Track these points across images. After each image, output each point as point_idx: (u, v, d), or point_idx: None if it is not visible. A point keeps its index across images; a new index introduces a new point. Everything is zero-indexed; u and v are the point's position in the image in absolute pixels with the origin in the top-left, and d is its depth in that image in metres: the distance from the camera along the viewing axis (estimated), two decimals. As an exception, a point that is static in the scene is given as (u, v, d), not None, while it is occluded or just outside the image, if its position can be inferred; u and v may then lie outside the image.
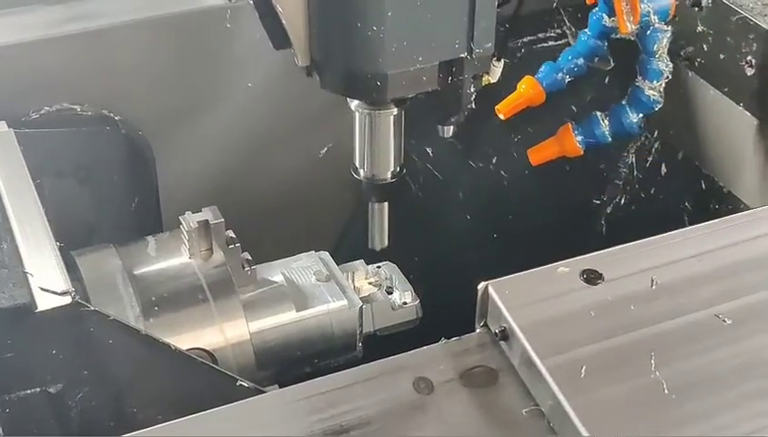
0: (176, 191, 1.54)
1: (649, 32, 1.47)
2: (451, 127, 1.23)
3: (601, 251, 1.04)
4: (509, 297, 0.97)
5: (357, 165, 1.26)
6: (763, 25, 1.38)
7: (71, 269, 1.13)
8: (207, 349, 1.20)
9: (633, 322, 0.96)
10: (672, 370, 0.91)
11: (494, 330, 0.97)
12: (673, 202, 1.60)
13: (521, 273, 1.01)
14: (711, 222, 1.09)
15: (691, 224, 1.11)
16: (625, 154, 1.67)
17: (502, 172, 1.70)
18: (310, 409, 0.91)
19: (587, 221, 1.72)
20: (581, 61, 1.56)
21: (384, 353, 0.98)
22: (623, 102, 1.54)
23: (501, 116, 1.56)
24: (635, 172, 1.66)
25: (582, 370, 0.90)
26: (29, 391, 1.00)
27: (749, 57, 1.41)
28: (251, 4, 1.13)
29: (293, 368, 1.26)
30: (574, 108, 1.64)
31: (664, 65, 1.49)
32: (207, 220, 1.22)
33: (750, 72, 1.41)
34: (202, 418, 0.91)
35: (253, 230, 1.30)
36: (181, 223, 1.23)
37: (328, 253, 1.34)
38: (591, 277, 1.00)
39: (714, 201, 1.54)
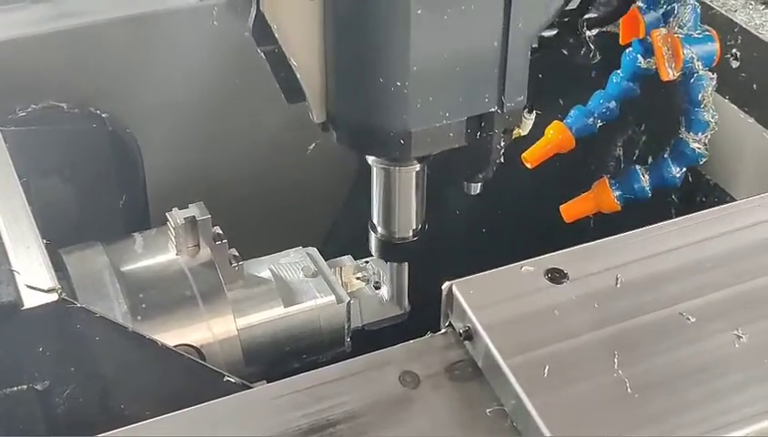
0: (164, 188, 1.54)
1: (693, 80, 1.34)
2: (479, 184, 1.18)
3: (566, 250, 1.03)
4: (473, 296, 0.97)
5: (374, 222, 1.21)
6: (736, 20, 1.39)
7: (58, 266, 1.13)
8: (194, 345, 1.20)
9: (597, 321, 0.96)
10: (635, 370, 0.91)
11: (458, 329, 0.97)
12: (660, 195, 1.60)
13: (486, 273, 1.00)
14: (675, 220, 1.09)
15: (677, 217, 1.12)
16: (613, 147, 1.67)
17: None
18: (297, 403, 0.91)
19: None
20: (612, 104, 1.45)
21: (372, 348, 0.99)
22: (665, 155, 1.43)
23: (529, 165, 1.47)
24: (622, 166, 1.66)
25: (546, 370, 0.90)
26: (16, 389, 1.00)
27: (734, 50, 1.41)
28: (263, 56, 1.07)
29: (281, 363, 1.26)
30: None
31: (710, 115, 1.36)
32: (193, 217, 1.22)
33: (735, 64, 1.41)
34: (189, 413, 0.92)
35: (240, 226, 1.30)
36: (168, 219, 1.23)
37: (315, 249, 1.34)
38: (556, 276, 1.00)
39: (701, 194, 1.54)
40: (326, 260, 1.33)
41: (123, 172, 1.49)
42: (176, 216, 1.22)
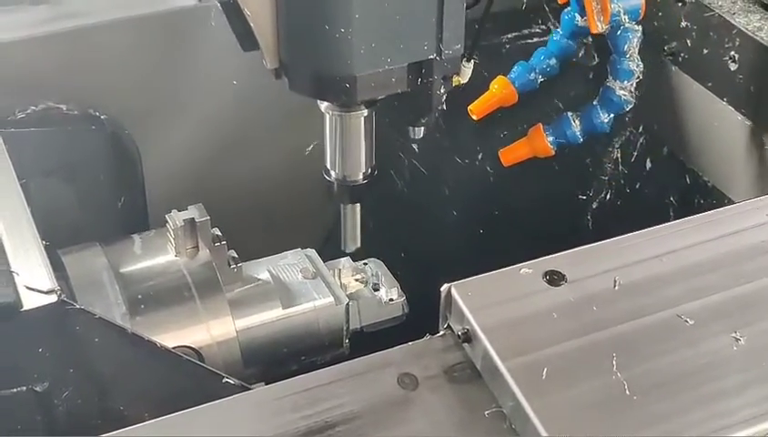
0: (163, 189, 1.55)
1: (619, 32, 1.47)
2: (422, 128, 1.23)
3: (564, 252, 1.04)
4: (471, 298, 0.97)
5: (328, 166, 1.26)
6: (734, 23, 1.39)
7: (57, 267, 1.13)
8: (193, 346, 1.20)
9: (595, 323, 0.96)
10: (633, 372, 0.91)
11: (457, 331, 0.97)
12: (658, 197, 1.60)
13: (484, 275, 1.01)
14: (673, 222, 1.10)
15: (676, 219, 1.12)
16: (610, 149, 1.68)
17: (488, 168, 1.70)
18: (295, 405, 0.91)
19: (573, 217, 1.72)
20: (553, 61, 1.57)
21: (371, 350, 0.99)
22: (594, 102, 1.55)
23: (474, 117, 1.57)
24: (620, 167, 1.67)
25: (544, 372, 0.90)
26: (15, 390, 1.00)
27: (732, 52, 1.41)
28: (218, 5, 1.13)
29: (280, 365, 1.26)
30: (548, 109, 1.65)
31: (635, 65, 1.49)
32: (192, 218, 1.22)
33: (733, 67, 1.41)
34: (188, 415, 0.92)
35: (239, 228, 1.30)
36: (167, 221, 1.23)
37: (314, 250, 1.35)
38: (554, 278, 1.00)
39: (699, 196, 1.54)
40: (324, 262, 1.33)
41: (122, 174, 1.49)
42: (175, 217, 1.22)
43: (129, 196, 1.50)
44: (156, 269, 1.24)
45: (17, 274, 1.01)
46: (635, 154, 1.64)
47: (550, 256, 1.03)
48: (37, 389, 1.02)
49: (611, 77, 1.52)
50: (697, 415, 0.88)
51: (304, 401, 0.92)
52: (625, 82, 1.50)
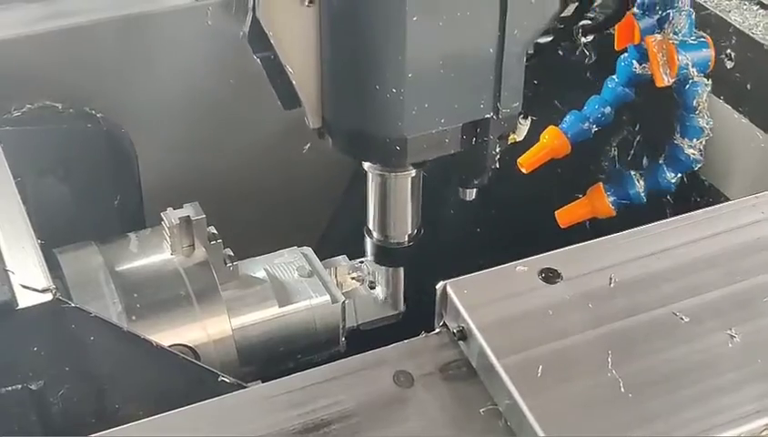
0: (158, 188, 1.54)
1: (687, 86, 1.35)
2: (474, 190, 1.18)
3: (560, 250, 1.03)
4: (467, 296, 0.97)
5: (369, 227, 1.21)
6: (730, 21, 1.39)
7: (52, 266, 1.13)
8: (189, 345, 1.20)
9: (591, 321, 0.96)
10: (628, 369, 0.91)
11: (452, 329, 0.97)
12: (654, 195, 1.60)
13: (480, 272, 1.00)
14: (670, 220, 1.10)
15: (673, 217, 1.12)
16: (608, 148, 1.68)
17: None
18: (291, 403, 0.91)
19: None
20: (607, 110, 1.45)
21: (367, 348, 0.99)
22: (660, 161, 1.44)
23: (524, 170, 1.46)
24: (617, 166, 1.66)
25: (539, 370, 0.90)
26: (10, 388, 1.00)
27: (728, 51, 1.41)
28: (258, 63, 1.07)
29: (276, 363, 1.26)
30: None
31: (705, 121, 1.37)
32: (188, 216, 1.22)
33: (729, 65, 1.41)
34: (184, 413, 0.92)
35: (235, 226, 1.30)
36: (163, 219, 1.23)
37: (310, 249, 1.35)
38: (550, 276, 1.00)
39: (696, 194, 1.54)
40: (321, 260, 1.33)
41: (118, 172, 1.49)
42: (171, 216, 1.22)
43: (125, 194, 1.50)
44: (151, 267, 1.24)
45: (12, 273, 1.01)
46: (632, 152, 1.64)
47: (546, 253, 1.03)
48: (32, 387, 1.02)
49: (678, 135, 1.40)
50: (692, 412, 0.88)
51: (300, 399, 0.91)
52: (694, 140, 1.38)
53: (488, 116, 1.07)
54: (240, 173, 1.68)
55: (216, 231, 1.23)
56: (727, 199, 1.47)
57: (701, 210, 1.11)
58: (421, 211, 1.25)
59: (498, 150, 1.11)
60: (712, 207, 1.14)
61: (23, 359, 1.01)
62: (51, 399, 1.03)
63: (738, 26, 1.40)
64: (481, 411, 0.90)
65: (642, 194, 1.45)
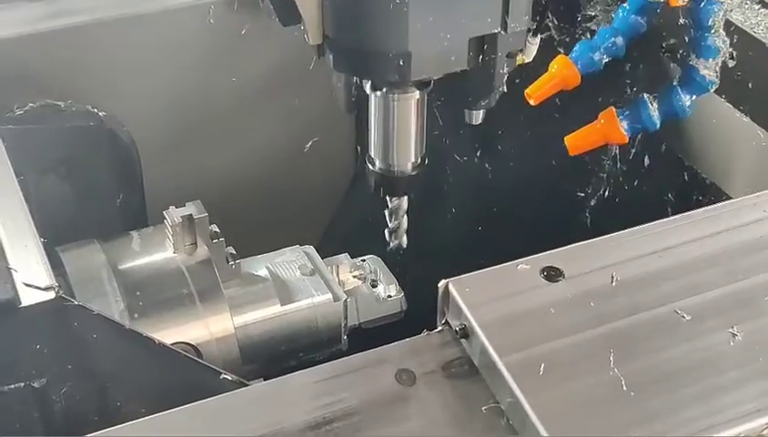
0: (161, 186, 1.55)
1: (703, 4, 1.30)
2: (481, 112, 1.12)
3: (562, 248, 1.03)
4: (469, 294, 0.96)
5: (372, 155, 1.16)
6: (732, 20, 1.39)
7: (55, 264, 1.13)
8: (191, 343, 1.20)
9: (593, 319, 0.95)
10: (630, 368, 0.91)
11: (454, 327, 0.97)
12: (657, 194, 1.60)
13: (482, 271, 1.00)
14: (671, 218, 1.09)
15: (674, 215, 1.12)
16: (609, 146, 1.68)
17: (486, 165, 1.70)
18: (293, 401, 0.91)
19: (571, 213, 1.72)
20: (619, 39, 1.40)
21: (369, 346, 0.99)
22: (675, 82, 1.38)
23: (532, 102, 1.38)
24: (618, 164, 1.66)
25: (541, 368, 0.90)
26: (13, 386, 1.00)
27: (729, 49, 1.41)
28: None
29: (278, 362, 1.27)
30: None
31: (721, 41, 1.32)
32: (191, 215, 1.22)
33: (731, 64, 1.41)
34: (186, 411, 0.92)
35: (237, 225, 1.30)
36: (165, 218, 1.23)
37: (312, 247, 1.35)
38: (552, 274, 1.00)
39: (697, 193, 1.54)
40: (323, 258, 1.33)
41: (120, 170, 1.49)
42: (174, 214, 1.22)
43: (127, 192, 1.50)
44: (154, 265, 1.24)
45: (15, 271, 1.01)
46: (633, 151, 1.64)
47: (548, 252, 1.03)
48: (35, 385, 1.02)
49: (693, 55, 1.35)
50: (695, 411, 0.88)
51: (302, 397, 0.92)
52: (710, 60, 1.33)
53: (495, 31, 1.02)
54: (242, 172, 1.68)
55: (218, 230, 1.23)
56: (728, 198, 1.47)
57: (702, 209, 1.11)
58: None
59: (506, 70, 1.06)
60: (714, 205, 1.14)
61: (25, 357, 1.01)
62: (53, 397, 1.03)
63: (740, 25, 1.39)
64: (483, 409, 0.90)
65: (656, 118, 1.39)
